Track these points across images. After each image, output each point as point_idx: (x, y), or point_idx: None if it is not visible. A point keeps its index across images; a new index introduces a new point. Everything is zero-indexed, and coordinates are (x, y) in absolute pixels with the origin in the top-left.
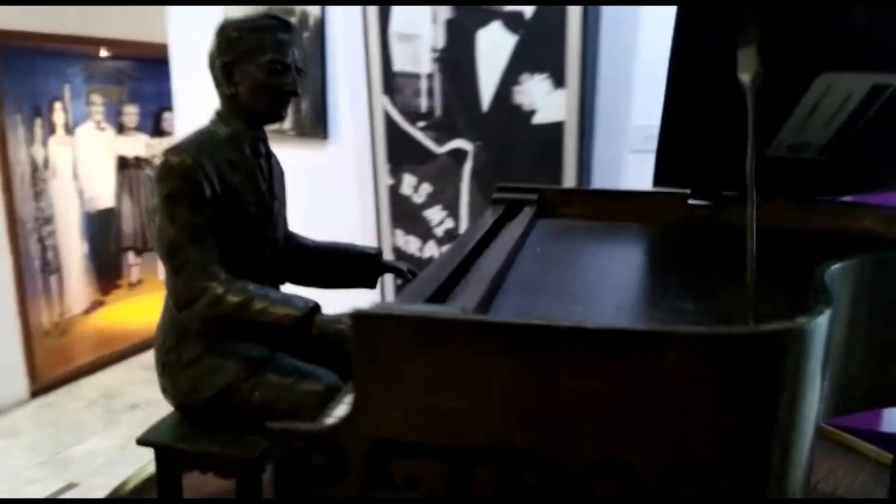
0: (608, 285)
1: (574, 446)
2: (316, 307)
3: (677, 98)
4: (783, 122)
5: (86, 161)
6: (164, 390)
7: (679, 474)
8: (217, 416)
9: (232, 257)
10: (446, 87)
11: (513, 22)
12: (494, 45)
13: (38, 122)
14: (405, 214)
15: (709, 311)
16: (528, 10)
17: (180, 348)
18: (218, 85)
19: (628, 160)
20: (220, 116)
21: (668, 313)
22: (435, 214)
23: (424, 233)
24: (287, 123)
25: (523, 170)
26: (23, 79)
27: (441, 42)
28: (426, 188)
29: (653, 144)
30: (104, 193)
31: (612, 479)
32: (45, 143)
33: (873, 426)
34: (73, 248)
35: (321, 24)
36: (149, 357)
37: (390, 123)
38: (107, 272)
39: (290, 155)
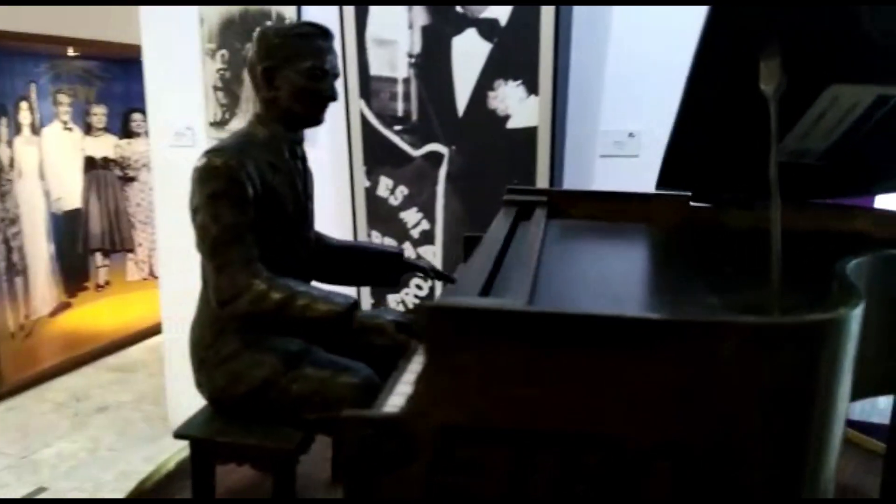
0: (628, 282)
1: (635, 429)
2: (356, 303)
3: (691, 108)
4: (788, 129)
5: (52, 161)
6: (200, 385)
7: (731, 455)
8: (253, 410)
9: (270, 256)
10: (422, 91)
11: (488, 29)
12: (469, 52)
13: (4, 121)
14: (381, 216)
15: (734, 306)
16: (503, 18)
17: (217, 344)
18: (258, 89)
19: (597, 164)
20: (259, 119)
21: (696, 307)
22: (411, 216)
23: (401, 234)
24: None
25: (497, 173)
26: None
27: (417, 48)
28: (402, 190)
29: (619, 149)
30: (71, 194)
31: (668, 461)
32: (10, 144)
33: (863, 416)
34: (39, 250)
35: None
36: (117, 359)
37: (367, 127)
38: (73, 274)
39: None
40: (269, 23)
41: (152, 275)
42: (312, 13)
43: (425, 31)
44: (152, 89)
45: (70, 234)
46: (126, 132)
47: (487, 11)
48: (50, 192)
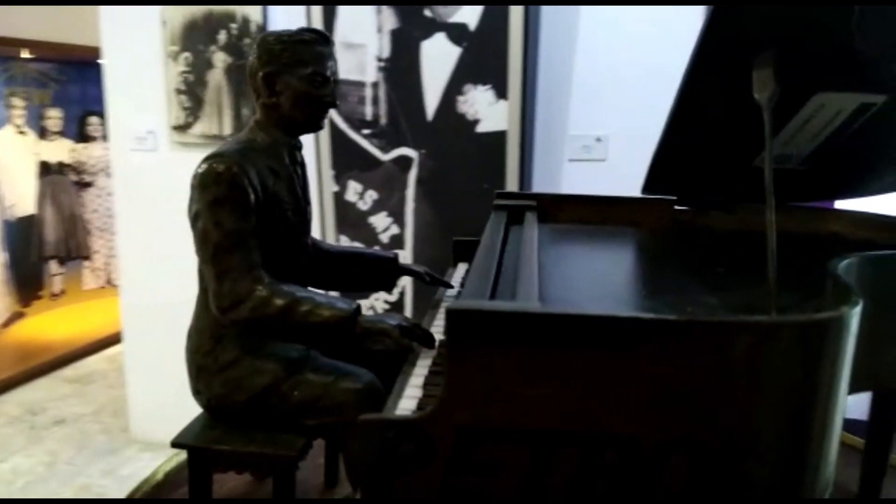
0: (627, 283)
1: (651, 427)
2: (359, 307)
3: (681, 115)
4: (774, 135)
5: (5, 166)
6: (198, 393)
7: (741, 449)
8: (253, 417)
9: (270, 262)
10: (391, 95)
11: (457, 34)
12: (439, 56)
13: None
14: (350, 221)
15: (732, 305)
16: (472, 23)
17: (216, 351)
18: (258, 95)
19: (566, 168)
20: (259, 125)
21: (698, 307)
22: (380, 221)
23: (370, 239)
24: (227, 129)
25: (467, 177)
26: None
27: (386, 51)
28: (371, 195)
29: (587, 153)
30: (25, 200)
31: (683, 456)
32: None
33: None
34: None
35: (263, 31)
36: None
37: (335, 130)
38: (27, 282)
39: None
40: (233, 25)
41: (110, 283)
42: (279, 14)
43: (394, 34)
44: (112, 92)
45: (23, 241)
46: (82, 136)
47: (456, 16)
48: (3, 198)
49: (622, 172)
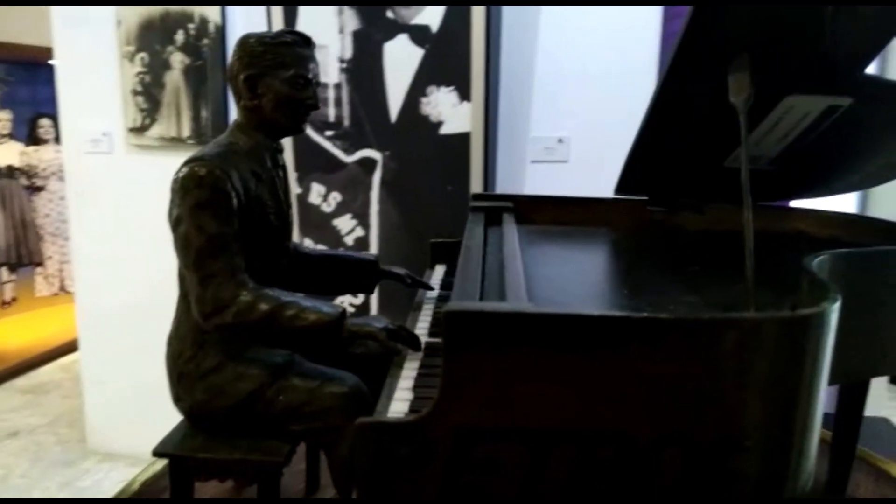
0: (608, 283)
1: (645, 422)
2: (345, 311)
3: (657, 119)
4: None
5: None
6: (179, 400)
7: (730, 442)
8: (237, 424)
9: (253, 266)
10: (354, 97)
11: (419, 35)
12: (401, 58)
13: None
14: (314, 223)
15: (713, 303)
16: (434, 25)
17: (198, 357)
18: (239, 98)
19: (528, 169)
20: (240, 128)
21: (681, 306)
22: (345, 223)
23: (334, 242)
24: (186, 131)
25: (432, 179)
26: None
27: (349, 53)
28: (335, 197)
29: (550, 155)
30: None
31: (675, 450)
32: None
33: None
34: None
35: (222, 31)
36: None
37: None
38: None
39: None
40: (191, 25)
41: (64, 289)
42: (238, 14)
43: (356, 36)
44: (64, 94)
45: None
46: (33, 139)
47: (419, 18)
48: None
49: (584, 173)
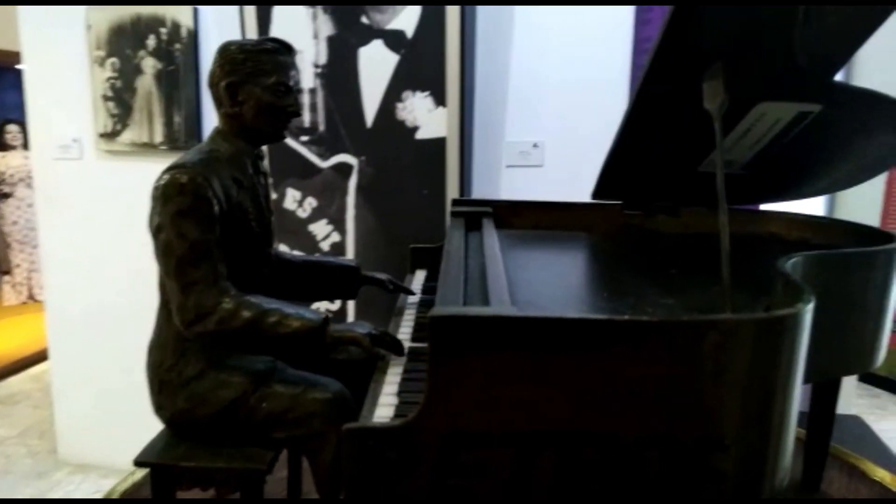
0: (587, 286)
1: (628, 423)
2: (328, 317)
3: (634, 124)
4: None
5: None
6: (160, 409)
7: (709, 441)
8: (219, 432)
9: (235, 273)
10: (329, 102)
11: (394, 41)
12: (377, 63)
13: None
14: (290, 229)
15: (689, 305)
16: (409, 30)
17: (180, 365)
18: (220, 105)
19: (503, 174)
20: (222, 135)
21: (658, 308)
22: (320, 229)
23: (310, 247)
24: (158, 137)
25: (408, 183)
26: None
27: (323, 58)
28: (311, 202)
29: (524, 159)
30: None
31: (657, 450)
32: None
33: None
34: None
35: (195, 36)
36: None
37: None
38: None
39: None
40: (163, 29)
41: (32, 298)
42: (210, 18)
43: (331, 41)
44: (33, 99)
45: None
46: (0, 145)
47: (394, 23)
48: None
49: (558, 177)
